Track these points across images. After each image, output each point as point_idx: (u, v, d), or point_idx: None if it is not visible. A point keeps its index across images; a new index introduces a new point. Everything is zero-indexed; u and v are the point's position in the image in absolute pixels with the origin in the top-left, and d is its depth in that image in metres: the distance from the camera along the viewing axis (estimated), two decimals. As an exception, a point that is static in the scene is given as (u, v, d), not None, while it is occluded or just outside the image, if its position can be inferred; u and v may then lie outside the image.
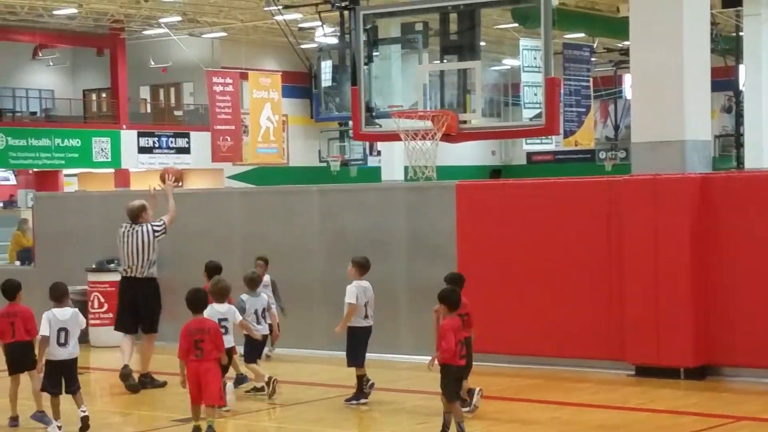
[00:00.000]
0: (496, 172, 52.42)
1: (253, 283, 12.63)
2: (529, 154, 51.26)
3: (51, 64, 45.95)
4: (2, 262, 23.71)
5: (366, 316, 12.02)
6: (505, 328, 14.04)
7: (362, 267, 12.14)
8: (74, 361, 10.82)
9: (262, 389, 12.42)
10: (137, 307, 13.62)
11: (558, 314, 13.79)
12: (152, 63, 45.16)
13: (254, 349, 12.55)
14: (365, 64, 16.04)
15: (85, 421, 10.58)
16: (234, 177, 43.04)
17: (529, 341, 13.96)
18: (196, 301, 10.54)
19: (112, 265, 16.91)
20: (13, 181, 42.57)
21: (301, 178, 40.82)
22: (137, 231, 13.61)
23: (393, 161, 32.33)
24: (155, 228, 13.66)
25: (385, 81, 17.21)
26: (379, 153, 38.57)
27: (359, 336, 11.98)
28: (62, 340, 10.71)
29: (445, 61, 15.08)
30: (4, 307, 11.26)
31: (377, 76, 16.69)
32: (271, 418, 11.67)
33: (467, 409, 11.06)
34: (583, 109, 35.30)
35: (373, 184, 20.27)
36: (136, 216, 13.69)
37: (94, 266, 17.08)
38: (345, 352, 12.04)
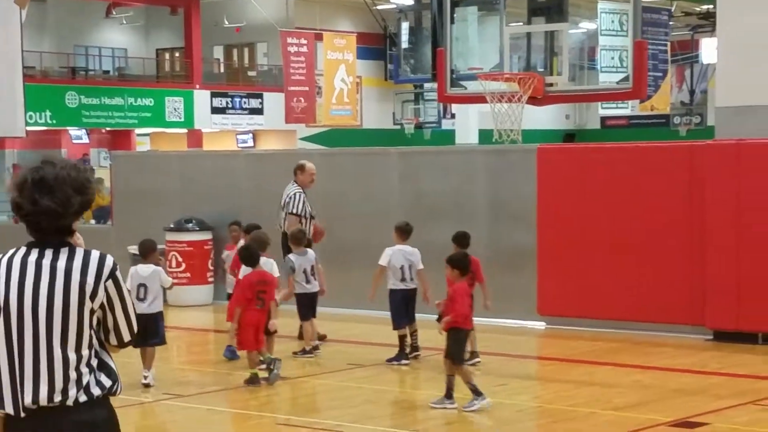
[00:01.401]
0: (569, 136, 52.22)
1: (298, 241, 12.89)
2: (603, 119, 51.00)
3: (124, 22, 46.45)
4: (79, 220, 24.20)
5: (403, 279, 12.41)
6: (585, 293, 14.25)
7: (403, 232, 12.62)
8: (152, 316, 11.20)
9: (311, 351, 12.79)
10: None
11: (638, 279, 13.96)
12: (226, 23, 45.50)
13: (304, 306, 12.86)
14: (452, 24, 16.19)
15: (146, 387, 11.02)
16: (307, 138, 43.32)
17: (609, 305, 14.15)
18: (253, 256, 11.48)
19: (190, 224, 17.31)
20: (86, 140, 43.19)
21: (375, 141, 41.03)
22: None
23: (468, 124, 32.48)
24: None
25: (465, 43, 17.38)
26: (453, 116, 38.71)
27: (397, 298, 12.43)
28: (141, 295, 11.15)
29: (532, 23, 15.19)
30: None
31: (457, 37, 16.87)
32: (339, 379, 11.96)
33: (476, 360, 11.92)
34: (660, 74, 35.10)
35: (454, 147, 20.42)
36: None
37: (171, 226, 17.48)
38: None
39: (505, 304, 14.96)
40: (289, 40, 37.58)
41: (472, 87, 15.47)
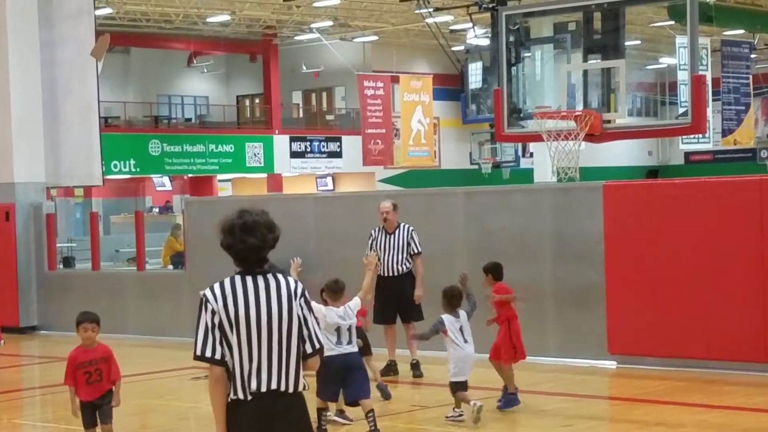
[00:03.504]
0: (652, 172, 51.74)
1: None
2: (687, 154, 50.45)
3: (205, 71, 47.04)
4: (157, 266, 24.43)
5: (339, 342, 10.57)
6: (653, 331, 13.96)
7: (333, 291, 10.82)
8: None
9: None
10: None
11: (707, 316, 13.63)
12: (304, 68, 45.88)
13: None
14: (513, 64, 16.11)
15: None
16: (386, 180, 43.41)
17: (678, 343, 13.83)
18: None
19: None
20: (169, 187, 43.67)
21: (453, 181, 40.98)
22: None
23: (545, 162, 32.17)
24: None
25: (534, 82, 17.25)
26: (531, 155, 38.50)
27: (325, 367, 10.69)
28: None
29: (588, 60, 15.04)
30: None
31: (527, 76, 16.75)
32: (412, 420, 11.82)
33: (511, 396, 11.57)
34: (742, 107, 34.62)
35: (519, 186, 20.28)
36: None
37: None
38: None
39: (574, 344, 14.74)
40: (366, 83, 37.74)
41: (531, 126, 15.32)
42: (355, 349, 10.71)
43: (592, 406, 12.44)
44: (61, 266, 22.47)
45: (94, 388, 9.32)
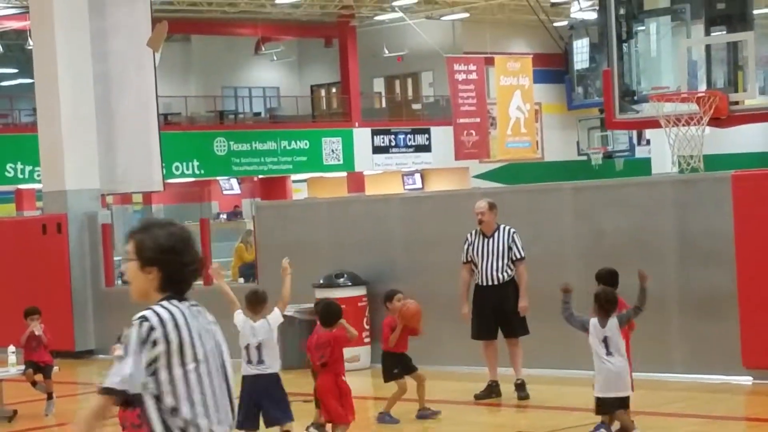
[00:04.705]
0: (789, 158, 51.05)
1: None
2: (826, 137, 49.70)
3: (275, 58, 47.35)
4: (226, 278, 24.60)
5: (249, 361, 10.87)
6: (795, 341, 13.75)
7: (250, 303, 11.12)
8: None
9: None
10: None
11: None
12: (386, 52, 45.97)
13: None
14: (624, 41, 15.99)
15: None
16: (481, 176, 43.35)
17: (824, 355, 13.62)
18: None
19: (342, 279, 17.36)
20: (237, 190, 44.03)
21: (558, 175, 40.73)
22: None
23: (664, 151, 31.88)
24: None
25: (649, 60, 17.10)
26: (648, 142, 38.20)
27: (243, 388, 10.86)
28: None
29: (711, 34, 14.88)
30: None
31: (641, 54, 16.61)
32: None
33: None
34: None
35: (635, 179, 20.06)
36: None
37: (321, 282, 17.54)
38: None
39: (704, 358, 14.58)
40: (457, 66, 37.77)
41: (647, 110, 15.18)
42: (269, 369, 10.86)
43: (727, 428, 12.30)
44: (120, 282, 22.70)
45: None
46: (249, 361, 10.88)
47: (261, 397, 10.82)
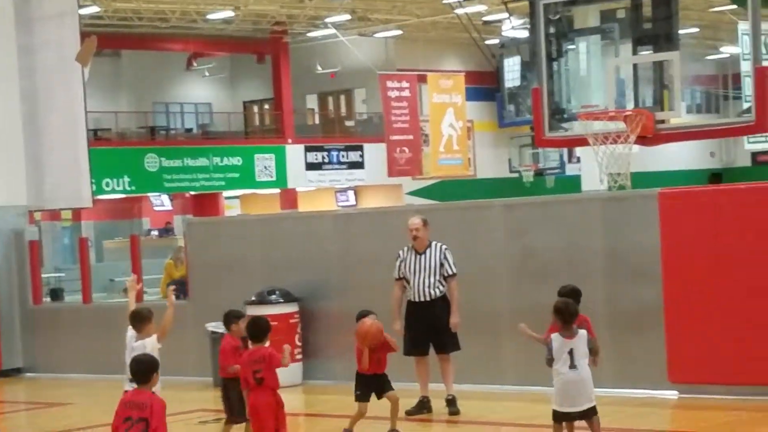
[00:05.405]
0: (716, 176, 51.68)
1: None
2: (754, 155, 50.39)
3: (207, 74, 47.31)
4: (157, 296, 24.60)
5: (130, 378, 10.17)
6: (720, 356, 13.98)
7: (132, 320, 11.19)
8: None
9: None
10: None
11: (783, 338, 13.67)
12: (319, 68, 46.08)
13: None
14: (554, 59, 16.20)
15: None
16: (414, 193, 43.55)
17: (748, 369, 13.83)
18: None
19: (274, 296, 17.43)
20: (168, 207, 43.90)
21: (490, 192, 41.06)
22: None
23: (594, 169, 32.22)
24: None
25: (578, 78, 17.33)
26: (578, 160, 38.57)
27: None
28: None
29: (639, 53, 15.12)
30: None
31: (570, 72, 16.82)
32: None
33: None
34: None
35: (565, 196, 20.31)
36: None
37: (253, 298, 17.59)
38: None
39: (631, 373, 14.78)
40: (389, 83, 37.96)
41: (576, 128, 15.41)
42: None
43: (653, 443, 12.48)
44: (48, 299, 22.69)
45: None
46: (130, 379, 10.71)
47: None
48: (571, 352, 10.87)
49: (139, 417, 8.99)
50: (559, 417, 10.95)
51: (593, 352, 11.01)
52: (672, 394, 14.44)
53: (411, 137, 37.77)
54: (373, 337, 12.62)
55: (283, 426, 11.35)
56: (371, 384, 12.77)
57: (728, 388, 13.96)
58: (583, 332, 10.96)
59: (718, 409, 13.53)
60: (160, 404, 9.06)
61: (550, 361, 10.97)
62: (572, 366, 10.84)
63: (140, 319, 11.21)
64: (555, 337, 10.93)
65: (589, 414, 10.98)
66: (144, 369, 9.28)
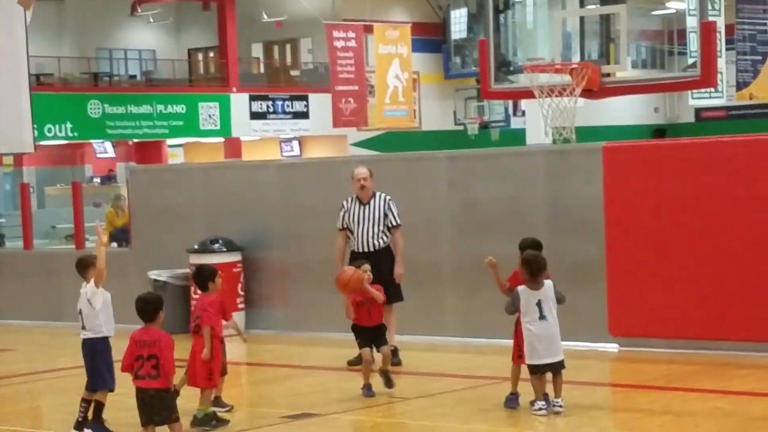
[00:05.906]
0: (659, 131, 51.97)
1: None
2: (698, 111, 50.68)
3: (151, 20, 46.92)
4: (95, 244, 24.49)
5: (82, 326, 11.46)
6: (659, 310, 14.17)
7: (76, 268, 11.51)
8: None
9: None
10: None
11: (719, 292, 13.85)
12: (265, 17, 45.82)
13: None
14: (501, 11, 16.23)
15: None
16: (359, 144, 43.53)
17: (686, 323, 14.05)
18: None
19: (216, 245, 17.44)
20: (111, 154, 43.63)
21: (435, 144, 41.12)
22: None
23: (538, 122, 32.33)
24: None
25: (525, 31, 17.38)
26: (523, 113, 38.71)
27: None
28: None
29: (586, 6, 15.20)
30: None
31: (517, 25, 16.86)
32: (390, 414, 12.00)
33: None
34: (759, 57, 34.78)
35: (508, 149, 20.43)
36: None
37: (196, 247, 17.60)
38: None
39: (571, 325, 14.79)
40: (336, 33, 37.76)
41: (522, 81, 15.48)
42: (89, 334, 11.24)
43: (593, 394, 12.61)
44: (-7, 242, 22.52)
45: None
46: (82, 326, 11.34)
47: (86, 362, 11.30)
48: (539, 303, 10.99)
49: (149, 354, 9.76)
50: (535, 369, 11.06)
51: (560, 300, 11.13)
52: (612, 347, 14.63)
53: (356, 88, 37.66)
54: (352, 287, 12.55)
55: (217, 371, 11.43)
56: (366, 335, 12.68)
57: (668, 342, 14.18)
58: (549, 282, 11.07)
59: (657, 362, 13.72)
60: (168, 340, 9.82)
61: (511, 311, 11.09)
62: (541, 317, 10.97)
63: (82, 266, 11.34)
64: (522, 290, 11.02)
65: (558, 368, 11.10)
66: (151, 308, 9.98)
